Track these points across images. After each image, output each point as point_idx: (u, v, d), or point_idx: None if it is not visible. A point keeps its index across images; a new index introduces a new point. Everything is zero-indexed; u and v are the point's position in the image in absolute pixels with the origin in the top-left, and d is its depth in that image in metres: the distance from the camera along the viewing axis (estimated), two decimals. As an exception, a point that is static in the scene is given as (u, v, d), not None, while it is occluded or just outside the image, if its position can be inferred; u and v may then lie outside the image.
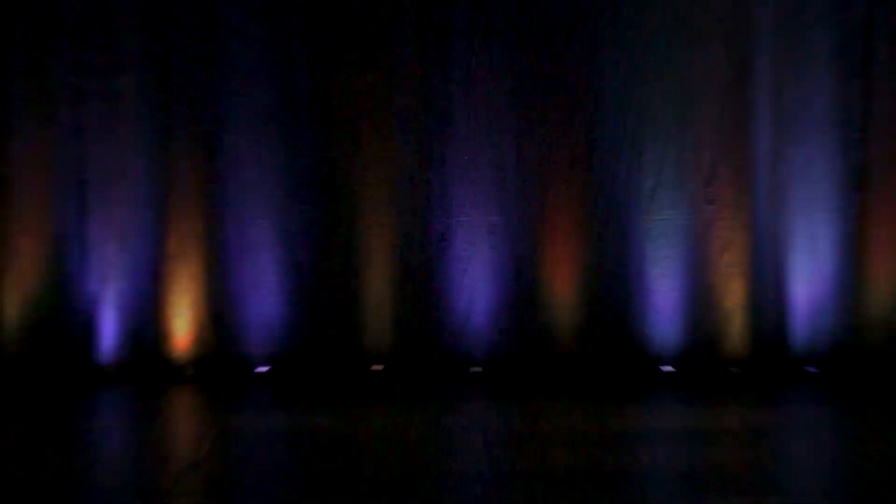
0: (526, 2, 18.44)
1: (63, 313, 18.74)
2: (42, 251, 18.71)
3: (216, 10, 18.50)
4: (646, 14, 18.50)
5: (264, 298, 18.84)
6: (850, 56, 18.49)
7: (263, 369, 18.84)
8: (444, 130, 18.65)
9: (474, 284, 18.78)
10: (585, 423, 15.95)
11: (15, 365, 18.54)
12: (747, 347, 18.69)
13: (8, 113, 18.48)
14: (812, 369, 18.64)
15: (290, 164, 18.72)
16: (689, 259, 18.78)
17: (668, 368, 18.72)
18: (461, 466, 14.18)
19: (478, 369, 18.72)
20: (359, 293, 18.82)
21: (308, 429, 16.03)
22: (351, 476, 13.56)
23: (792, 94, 18.57)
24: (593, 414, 16.37)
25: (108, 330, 18.81)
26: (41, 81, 18.52)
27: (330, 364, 18.83)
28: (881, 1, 18.31)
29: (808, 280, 18.72)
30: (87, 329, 18.77)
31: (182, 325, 18.85)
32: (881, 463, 14.38)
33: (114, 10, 18.46)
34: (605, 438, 15.18)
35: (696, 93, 18.61)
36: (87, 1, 18.40)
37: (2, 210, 18.59)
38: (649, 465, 14.16)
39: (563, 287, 18.69)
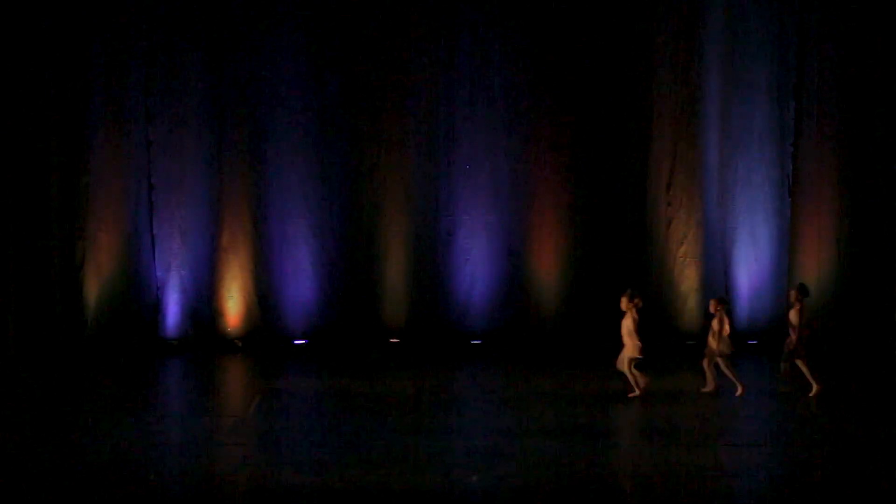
0: (519, 42, 18.66)
1: (134, 296, 18.95)
2: (116, 244, 18.88)
3: (262, 43, 18.66)
4: (615, 48, 18.70)
5: (301, 283, 19.00)
6: (785, 82, 18.72)
7: (301, 342, 19.11)
8: (450, 146, 18.87)
9: (474, 272, 18.97)
10: (566, 386, 16.26)
11: (94, 339, 18.68)
12: (700, 323, 18.63)
13: (88, 129, 18.63)
14: (753, 342, 18.87)
15: (322, 172, 18.90)
16: (651, 251, 18.99)
17: (635, 341, 18.92)
18: (463, 422, 14.52)
19: (477, 342, 18.94)
20: (379, 279, 18.99)
21: (338, 390, 16.40)
22: (372, 428, 14.15)
23: (736, 114, 18.78)
24: (573, 379, 16.60)
25: (172, 310, 19.07)
26: (116, 102, 18.67)
27: (355, 337, 19.00)
28: (811, 37, 18.58)
29: (749, 268, 18.97)
30: (154, 309, 19.01)
31: (233, 306, 19.10)
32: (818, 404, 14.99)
33: (176, 43, 18.63)
34: (582, 399, 15.66)
35: (657, 113, 18.81)
36: (155, 33, 18.56)
37: (83, 210, 18.70)
38: (618, 420, 14.65)
39: (547, 274, 18.88)
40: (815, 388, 15.44)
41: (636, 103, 18.74)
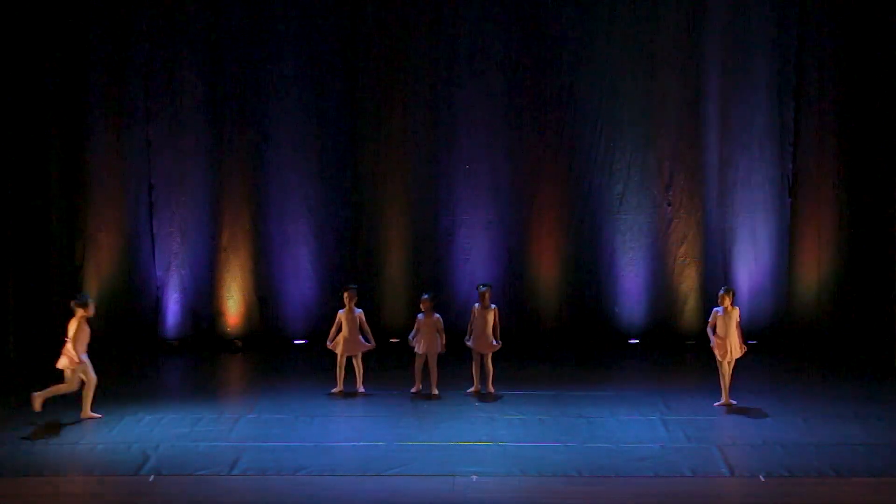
0: (517, 43, 18.64)
1: (134, 296, 19.02)
2: (117, 244, 18.96)
3: (262, 44, 18.70)
4: (615, 47, 18.72)
5: (302, 284, 19.06)
6: (785, 81, 18.70)
7: (300, 342, 19.15)
8: (450, 146, 18.89)
9: (474, 271, 18.95)
10: (565, 385, 16.16)
11: (94, 339, 17.91)
12: (700, 324, 18.68)
13: (88, 130, 18.69)
14: (752, 342, 18.45)
15: (323, 173, 18.92)
16: (651, 251, 19.04)
17: (635, 341, 19.07)
18: (460, 424, 14.57)
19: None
20: (379, 279, 19.01)
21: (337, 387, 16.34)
22: (371, 422, 14.41)
23: (736, 113, 18.78)
24: (572, 378, 16.50)
25: (172, 310, 19.12)
26: (116, 103, 18.72)
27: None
28: (810, 36, 18.57)
29: (749, 268, 18.96)
30: (154, 309, 19.06)
31: (233, 306, 19.14)
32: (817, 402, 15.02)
33: (176, 44, 18.66)
34: (581, 399, 15.67)
35: (657, 113, 18.83)
36: (155, 36, 18.58)
37: (83, 210, 18.79)
38: (616, 418, 14.67)
39: (547, 274, 18.89)
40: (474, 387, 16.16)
41: (636, 103, 18.70)
